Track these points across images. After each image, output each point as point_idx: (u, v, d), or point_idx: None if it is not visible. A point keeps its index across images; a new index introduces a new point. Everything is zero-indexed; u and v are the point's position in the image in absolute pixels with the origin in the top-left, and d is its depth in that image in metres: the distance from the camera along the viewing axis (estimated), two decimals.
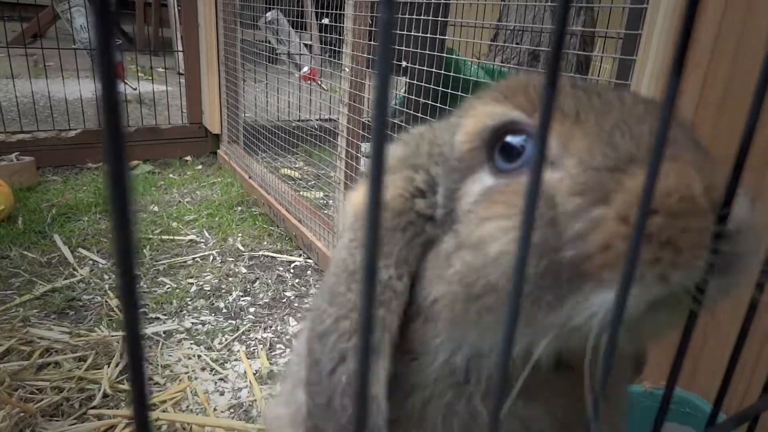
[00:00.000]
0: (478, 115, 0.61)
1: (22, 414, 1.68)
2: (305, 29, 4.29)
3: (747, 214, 0.48)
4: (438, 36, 2.34)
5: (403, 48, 2.38)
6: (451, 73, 2.23)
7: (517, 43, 6.04)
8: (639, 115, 0.54)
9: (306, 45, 4.37)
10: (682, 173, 0.48)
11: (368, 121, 2.68)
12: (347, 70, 2.44)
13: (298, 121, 3.78)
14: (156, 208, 3.46)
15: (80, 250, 2.86)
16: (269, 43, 4.07)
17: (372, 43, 2.41)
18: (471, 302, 0.54)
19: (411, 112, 2.34)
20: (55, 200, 3.34)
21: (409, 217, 0.62)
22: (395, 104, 3.19)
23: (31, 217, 3.10)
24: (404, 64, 2.46)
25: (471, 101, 0.66)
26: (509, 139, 0.58)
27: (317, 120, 3.52)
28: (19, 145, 3.75)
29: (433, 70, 2.31)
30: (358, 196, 0.69)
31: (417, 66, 2.41)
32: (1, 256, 2.73)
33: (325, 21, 2.93)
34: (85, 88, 4.07)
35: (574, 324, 0.49)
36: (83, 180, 3.76)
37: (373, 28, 2.37)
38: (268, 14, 4.06)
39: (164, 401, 1.87)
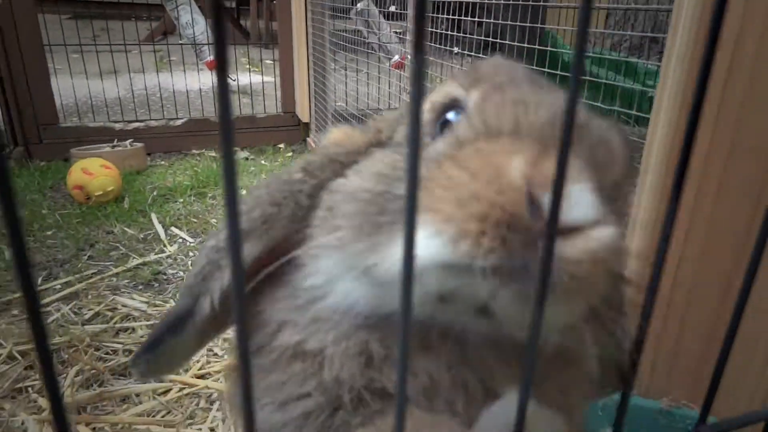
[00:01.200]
0: (435, 93, 0.68)
1: (93, 371, 1.91)
2: (396, 18, 4.31)
3: (581, 218, 0.44)
4: (537, 25, 2.29)
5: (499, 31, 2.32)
6: (545, 69, 2.16)
7: (632, 26, 5.60)
8: (537, 102, 0.57)
9: (396, 33, 4.40)
10: (523, 163, 0.47)
11: None
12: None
13: (389, 108, 3.83)
14: (244, 192, 3.70)
15: (173, 228, 3.15)
16: (360, 33, 4.15)
17: (434, 30, 2.38)
18: (325, 215, 0.64)
19: None
20: (158, 183, 3.70)
21: (356, 158, 0.70)
22: None
23: (135, 197, 3.47)
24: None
25: (443, 82, 0.73)
26: (449, 116, 0.65)
27: None
28: (134, 133, 4.18)
29: (527, 45, 2.23)
30: (340, 133, 0.78)
31: (508, 42, 2.34)
32: (106, 231, 3.09)
33: (392, 8, 2.93)
34: (191, 81, 4.43)
35: (382, 269, 0.53)
36: (185, 165, 4.11)
37: (435, 15, 2.34)
38: (359, 4, 4.14)
39: (218, 371, 2.03)
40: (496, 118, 0.57)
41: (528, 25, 2.36)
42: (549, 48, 2.31)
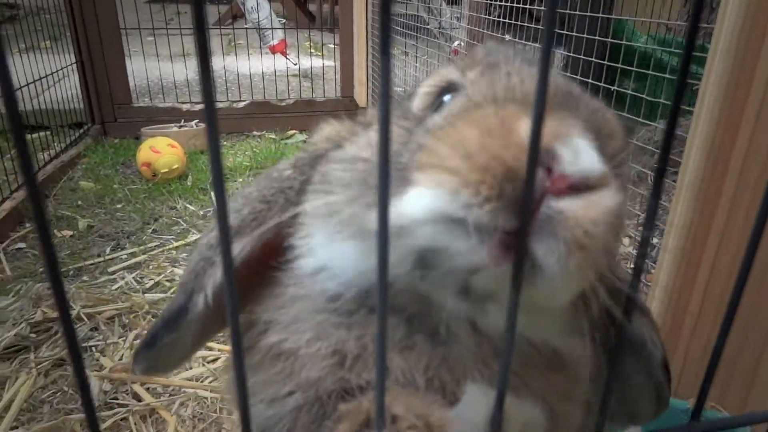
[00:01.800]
0: (433, 77, 0.69)
1: None
2: (457, 3, 4.28)
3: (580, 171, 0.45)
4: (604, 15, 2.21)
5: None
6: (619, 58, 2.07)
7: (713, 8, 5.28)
8: (530, 74, 0.60)
9: (457, 18, 4.36)
10: (518, 116, 0.49)
11: None
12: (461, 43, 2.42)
13: None
14: None
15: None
16: (420, 18, 4.14)
17: (486, 17, 2.36)
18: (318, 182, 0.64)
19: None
20: None
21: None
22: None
23: (198, 176, 3.65)
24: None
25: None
26: (445, 98, 0.65)
27: None
28: (200, 114, 4.38)
29: (597, 38, 2.15)
30: (330, 128, 0.77)
31: (576, 33, 2.26)
32: (170, 206, 3.28)
33: None
34: (255, 64, 4.57)
35: (366, 224, 0.53)
36: (245, 146, 4.27)
37: (491, 1, 2.31)
38: None
39: None
40: (491, 89, 0.58)
41: (599, 15, 2.27)
42: (623, 41, 2.17)
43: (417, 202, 0.48)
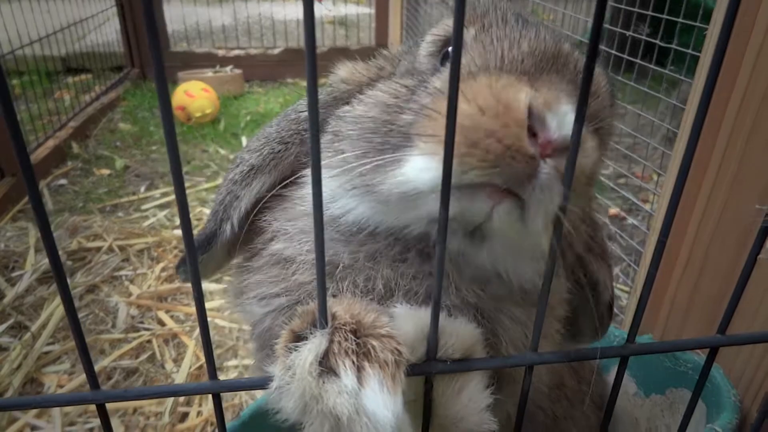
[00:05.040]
0: (437, 27, 0.72)
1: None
2: None
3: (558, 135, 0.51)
4: None
5: None
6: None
7: None
8: (530, 40, 0.64)
9: None
10: (513, 89, 0.53)
11: None
12: None
13: None
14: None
15: None
16: None
17: None
18: (331, 139, 0.68)
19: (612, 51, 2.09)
20: (252, 108, 3.94)
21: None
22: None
23: (230, 121, 3.73)
24: None
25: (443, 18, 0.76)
26: (450, 49, 0.66)
27: None
28: (235, 60, 4.43)
29: None
30: (347, 69, 0.81)
31: None
32: (202, 150, 3.39)
33: None
34: (293, 11, 4.56)
35: (377, 185, 0.59)
36: (278, 93, 4.32)
37: None
38: None
39: None
40: (484, 56, 0.62)
41: None
42: None
43: (424, 173, 0.54)
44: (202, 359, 1.79)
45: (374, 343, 0.55)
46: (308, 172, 0.73)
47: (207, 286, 2.12)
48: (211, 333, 1.92)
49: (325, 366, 0.54)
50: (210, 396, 0.58)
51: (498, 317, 0.68)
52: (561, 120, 0.51)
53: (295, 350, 0.55)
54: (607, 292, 0.81)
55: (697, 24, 1.78)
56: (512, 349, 0.69)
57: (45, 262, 2.07)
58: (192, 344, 1.83)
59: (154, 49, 0.38)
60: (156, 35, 0.37)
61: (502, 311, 0.68)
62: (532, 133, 0.51)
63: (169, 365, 1.75)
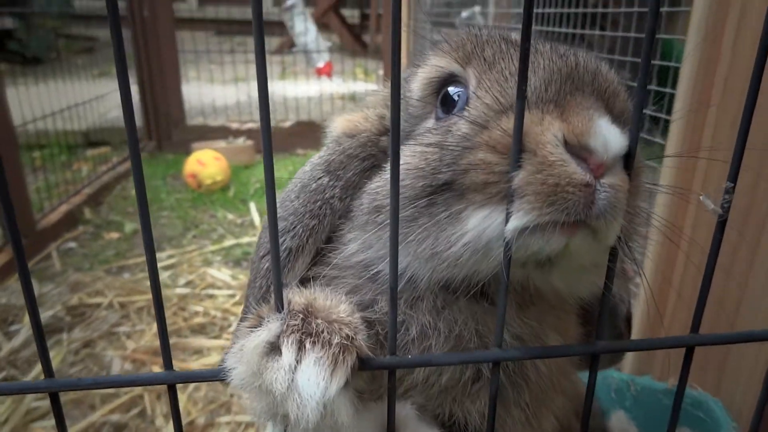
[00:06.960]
0: (428, 67, 0.71)
1: (175, 326, 2.17)
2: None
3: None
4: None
5: None
6: None
7: None
8: (543, 66, 0.62)
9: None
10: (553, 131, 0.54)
11: None
12: None
13: None
14: None
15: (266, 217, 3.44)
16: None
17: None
18: (371, 213, 0.67)
19: None
20: (261, 177, 4.04)
21: (372, 151, 0.73)
22: None
23: (240, 188, 3.82)
24: None
25: (429, 54, 0.74)
26: (450, 89, 0.68)
27: None
28: (248, 132, 4.61)
29: None
30: (345, 122, 0.79)
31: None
32: (210, 215, 3.45)
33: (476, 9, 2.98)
34: (305, 88, 4.79)
35: (443, 249, 0.58)
36: (288, 163, 4.45)
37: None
38: (464, 13, 4.24)
39: None
40: (501, 94, 0.61)
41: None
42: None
43: (487, 221, 0.55)
44: (194, 414, 1.73)
45: (320, 323, 0.55)
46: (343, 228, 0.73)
47: (203, 342, 2.10)
48: (205, 389, 1.88)
49: (275, 347, 0.55)
50: None
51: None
52: (604, 139, 0.53)
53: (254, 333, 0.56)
54: (624, 306, 0.80)
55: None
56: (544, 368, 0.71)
57: (43, 315, 2.07)
58: (184, 399, 1.78)
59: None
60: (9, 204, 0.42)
61: (540, 338, 0.70)
62: (582, 158, 0.53)
63: (159, 420, 1.70)
